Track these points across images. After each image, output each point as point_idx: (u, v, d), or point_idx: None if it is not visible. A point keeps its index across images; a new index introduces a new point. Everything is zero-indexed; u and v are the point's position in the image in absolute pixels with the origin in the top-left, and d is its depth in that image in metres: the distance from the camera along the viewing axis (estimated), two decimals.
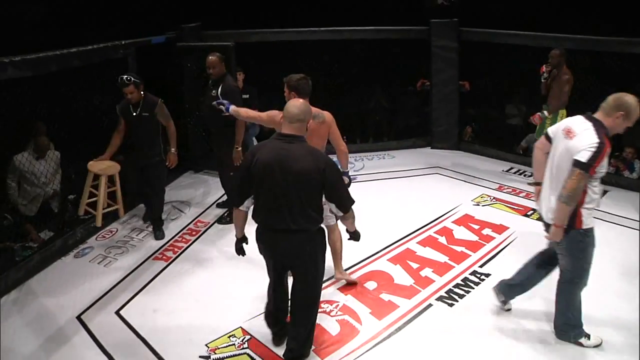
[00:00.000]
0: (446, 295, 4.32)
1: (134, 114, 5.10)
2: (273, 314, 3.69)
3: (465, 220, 5.61)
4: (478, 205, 6.02)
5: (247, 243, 3.52)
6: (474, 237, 5.24)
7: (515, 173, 7.12)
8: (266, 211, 3.21)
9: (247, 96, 6.32)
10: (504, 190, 6.44)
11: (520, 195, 6.29)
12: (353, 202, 3.29)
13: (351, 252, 4.94)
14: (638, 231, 5.36)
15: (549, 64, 6.10)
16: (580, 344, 3.69)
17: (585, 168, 3.19)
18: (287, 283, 3.62)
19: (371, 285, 4.48)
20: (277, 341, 3.73)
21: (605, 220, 5.60)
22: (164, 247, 5.27)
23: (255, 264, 4.74)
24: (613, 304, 4.14)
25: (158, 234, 5.44)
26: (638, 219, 5.61)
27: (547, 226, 3.54)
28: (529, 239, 5.18)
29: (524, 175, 6.98)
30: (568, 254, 3.51)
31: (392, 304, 4.22)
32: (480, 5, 8.31)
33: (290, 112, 3.19)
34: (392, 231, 5.34)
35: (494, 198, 6.21)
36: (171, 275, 4.77)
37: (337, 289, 4.44)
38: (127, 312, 4.24)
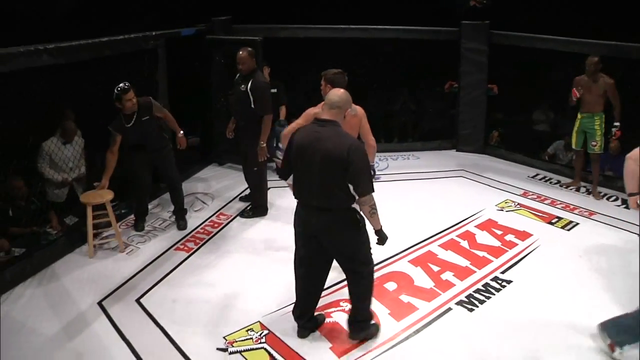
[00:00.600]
0: (466, 300, 4.29)
1: (131, 123, 4.98)
2: (298, 306, 3.78)
3: (488, 225, 5.56)
4: (502, 210, 5.96)
5: None
6: (497, 243, 5.19)
7: (541, 179, 7.03)
8: (300, 188, 3.44)
9: (275, 90, 6.33)
10: (529, 197, 6.36)
11: (545, 202, 6.20)
12: (373, 190, 3.35)
13: (375, 251, 4.92)
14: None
15: (579, 88, 6.09)
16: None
17: None
18: (317, 274, 3.68)
19: (391, 286, 4.46)
20: (300, 334, 3.80)
21: (630, 231, 5.50)
22: (185, 237, 5.31)
23: (275, 260, 4.82)
24: None
25: (181, 223, 5.48)
26: None
27: None
28: (552, 247, 5.17)
29: (550, 182, 6.89)
30: None
31: (412, 306, 4.20)
32: (512, 8, 8.20)
33: (331, 99, 3.41)
34: (414, 232, 5.31)
35: (518, 204, 6.14)
36: (192, 266, 4.81)
37: None
38: (147, 300, 4.28)
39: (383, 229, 3.54)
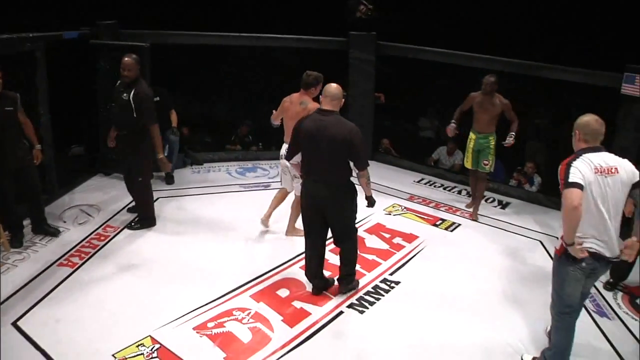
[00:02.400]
0: (357, 303, 4.42)
1: None
2: (308, 270, 4.48)
3: (377, 229, 5.75)
4: (390, 214, 6.19)
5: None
6: (385, 246, 5.39)
7: (426, 184, 7.36)
8: (309, 167, 4.17)
9: (158, 98, 6.16)
10: (415, 200, 6.65)
11: (430, 205, 6.53)
12: (368, 164, 4.16)
13: (267, 258, 4.98)
14: (538, 241, 5.73)
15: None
16: None
17: None
18: (322, 244, 4.42)
19: (283, 292, 4.50)
20: (316, 292, 4.48)
21: (507, 230, 5.95)
22: (69, 252, 5.03)
23: (165, 272, 4.70)
24: (512, 309, 4.40)
25: (46, 233, 5.26)
26: (537, 230, 5.99)
27: (606, 262, 3.42)
28: (437, 247, 5.47)
29: (434, 186, 7.25)
30: None
31: (304, 312, 4.26)
32: (398, 20, 8.57)
33: (332, 93, 4.11)
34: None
35: (405, 208, 6.40)
36: (77, 282, 4.57)
37: (250, 296, 4.43)
38: (27, 322, 4.01)
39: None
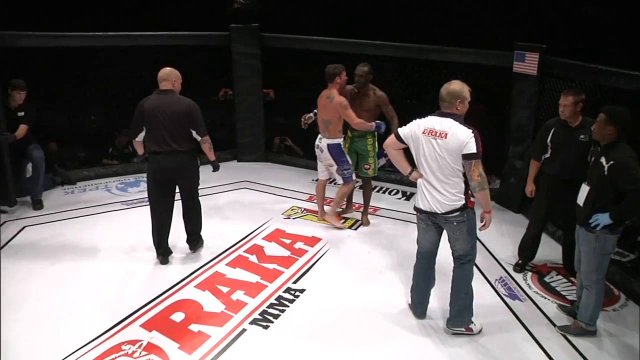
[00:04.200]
0: (260, 318, 4.35)
1: None
2: (160, 243, 5.09)
3: (276, 236, 5.72)
4: (289, 218, 6.19)
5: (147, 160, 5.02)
6: (286, 253, 5.36)
7: None
8: (155, 140, 4.84)
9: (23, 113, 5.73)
10: (315, 201, 6.61)
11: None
12: (207, 133, 4.99)
13: (157, 281, 4.80)
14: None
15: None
16: (471, 330, 4.17)
17: (479, 156, 3.75)
18: (170, 206, 5.06)
19: (178, 316, 4.34)
20: (162, 260, 5.11)
21: (414, 221, 6.07)
22: None
23: (39, 310, 4.40)
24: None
25: None
26: None
27: (433, 215, 4.00)
28: (342, 248, 5.52)
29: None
30: (467, 234, 3.99)
31: (203, 335, 4.13)
32: (283, 10, 8.58)
33: (165, 73, 4.94)
34: (198, 255, 5.28)
35: (304, 209, 6.42)
36: None
37: (140, 325, 4.22)
38: None
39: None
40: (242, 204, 6.60)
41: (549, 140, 4.79)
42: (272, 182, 7.33)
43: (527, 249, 5.14)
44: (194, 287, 4.73)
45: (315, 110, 5.88)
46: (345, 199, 6.22)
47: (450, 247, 4.12)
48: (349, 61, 7.34)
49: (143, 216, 5.94)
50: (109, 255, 5.27)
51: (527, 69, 6.08)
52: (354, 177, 5.84)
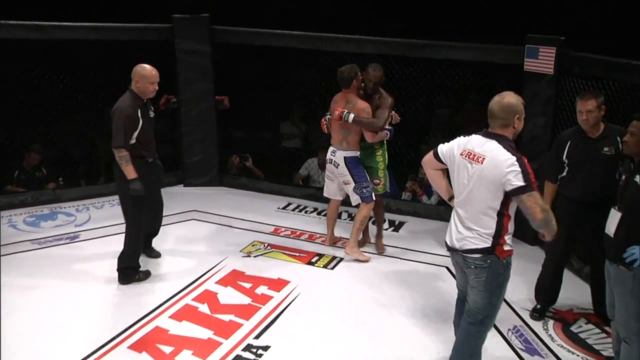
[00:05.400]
0: None
1: None
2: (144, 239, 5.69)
3: (233, 278, 5.66)
4: (249, 256, 6.14)
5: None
6: (246, 300, 5.31)
7: (294, 210, 7.43)
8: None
9: None
10: (281, 234, 6.66)
11: (302, 237, 6.57)
12: (121, 143, 5.20)
13: (79, 340, 4.69)
14: (443, 267, 5.94)
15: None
16: None
17: (531, 188, 3.60)
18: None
19: None
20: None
21: (403, 258, 6.12)
22: None
23: None
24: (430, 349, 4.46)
25: None
26: (441, 253, 6.19)
27: (455, 251, 3.96)
28: (316, 292, 5.48)
29: (305, 212, 7.29)
30: (486, 286, 3.86)
31: None
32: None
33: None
34: (133, 307, 5.17)
35: (268, 245, 6.38)
36: None
37: None
38: None
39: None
40: (189, 240, 6.53)
41: (565, 156, 4.82)
42: (227, 211, 7.30)
43: (547, 290, 5.12)
44: (127, 347, 4.62)
45: (329, 115, 6.04)
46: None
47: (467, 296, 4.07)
48: (322, 60, 7.41)
49: (62, 257, 5.90)
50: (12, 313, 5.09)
51: (542, 66, 6.12)
52: (374, 196, 5.96)
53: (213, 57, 7.83)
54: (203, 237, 6.63)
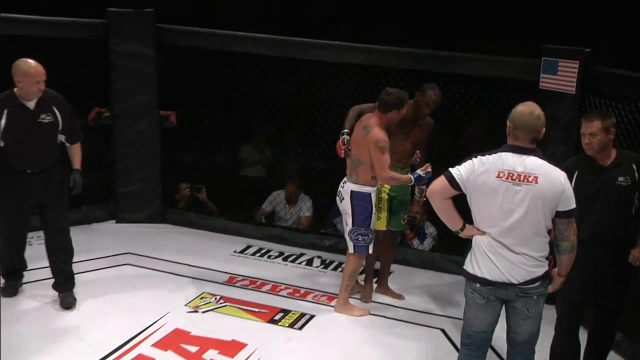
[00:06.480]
0: None
1: None
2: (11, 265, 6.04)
3: (175, 340, 5.55)
4: (196, 312, 6.06)
5: None
6: None
7: (254, 254, 7.40)
8: (18, 157, 5.62)
9: None
10: (237, 284, 6.61)
11: (263, 289, 6.51)
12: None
13: None
14: (438, 329, 5.87)
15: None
16: None
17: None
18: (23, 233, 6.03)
19: None
20: (12, 293, 6.05)
21: (390, 317, 6.08)
22: None
23: None
24: None
25: None
26: (437, 312, 6.18)
27: (504, 287, 4.11)
28: (277, 356, 5.40)
29: (268, 257, 7.23)
30: (540, 314, 4.20)
31: None
32: None
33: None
34: None
35: (221, 298, 6.30)
36: None
37: None
38: None
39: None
40: (120, 290, 6.41)
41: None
42: (170, 254, 7.24)
43: (563, 358, 5.08)
44: None
45: (347, 136, 6.00)
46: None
47: (510, 330, 4.29)
48: (294, 69, 7.36)
49: None
50: None
51: (562, 84, 6.15)
52: (370, 250, 5.97)
53: (158, 63, 7.78)
54: (138, 287, 6.52)
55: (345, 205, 5.92)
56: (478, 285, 4.16)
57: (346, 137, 5.97)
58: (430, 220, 7.49)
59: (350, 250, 5.96)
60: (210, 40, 7.65)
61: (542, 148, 6.09)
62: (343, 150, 5.98)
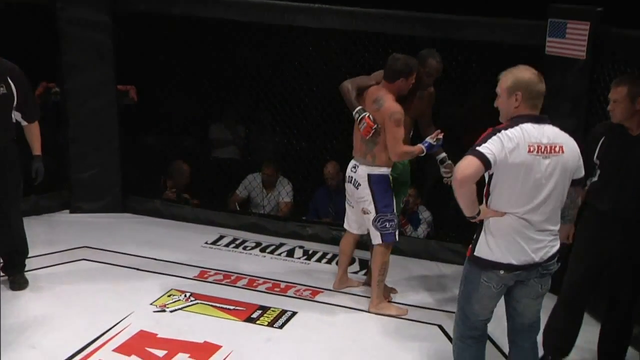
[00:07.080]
0: None
1: None
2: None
3: (140, 343, 5.54)
4: (164, 310, 6.06)
5: None
6: None
7: (227, 245, 7.43)
8: None
9: None
10: (209, 279, 6.63)
11: (239, 283, 6.54)
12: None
13: None
14: (435, 325, 5.91)
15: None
16: None
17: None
18: None
19: None
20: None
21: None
22: None
23: None
24: None
25: None
26: (432, 306, 6.24)
27: (526, 269, 4.22)
28: (257, 358, 5.43)
29: (244, 249, 7.23)
30: (546, 293, 4.42)
31: None
32: None
33: None
34: None
35: (191, 295, 6.30)
36: None
37: None
38: None
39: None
40: (77, 289, 6.40)
41: (596, 155, 4.88)
42: (133, 247, 7.26)
43: (560, 336, 5.18)
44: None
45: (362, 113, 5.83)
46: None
47: (515, 314, 4.47)
48: (270, 36, 7.32)
49: None
50: None
51: (571, 49, 6.15)
52: (397, 236, 6.02)
53: (114, 32, 7.71)
54: (97, 284, 6.51)
55: (362, 192, 5.91)
56: (502, 272, 4.17)
57: (368, 114, 5.81)
58: (424, 204, 7.50)
59: (378, 241, 5.96)
60: (172, 5, 7.60)
61: (550, 118, 6.23)
62: (374, 130, 5.78)
